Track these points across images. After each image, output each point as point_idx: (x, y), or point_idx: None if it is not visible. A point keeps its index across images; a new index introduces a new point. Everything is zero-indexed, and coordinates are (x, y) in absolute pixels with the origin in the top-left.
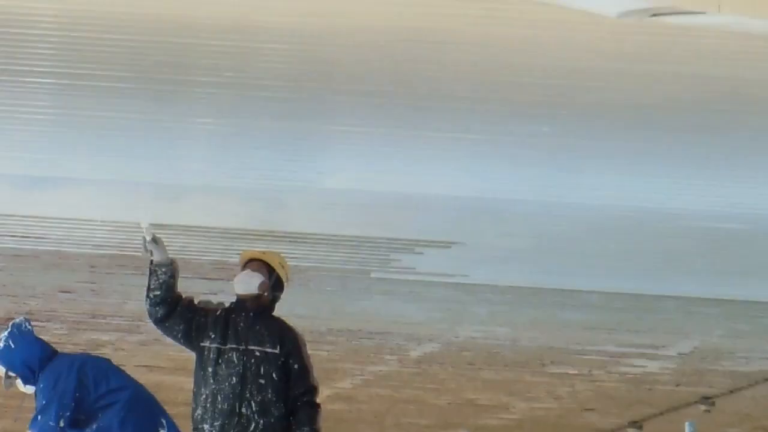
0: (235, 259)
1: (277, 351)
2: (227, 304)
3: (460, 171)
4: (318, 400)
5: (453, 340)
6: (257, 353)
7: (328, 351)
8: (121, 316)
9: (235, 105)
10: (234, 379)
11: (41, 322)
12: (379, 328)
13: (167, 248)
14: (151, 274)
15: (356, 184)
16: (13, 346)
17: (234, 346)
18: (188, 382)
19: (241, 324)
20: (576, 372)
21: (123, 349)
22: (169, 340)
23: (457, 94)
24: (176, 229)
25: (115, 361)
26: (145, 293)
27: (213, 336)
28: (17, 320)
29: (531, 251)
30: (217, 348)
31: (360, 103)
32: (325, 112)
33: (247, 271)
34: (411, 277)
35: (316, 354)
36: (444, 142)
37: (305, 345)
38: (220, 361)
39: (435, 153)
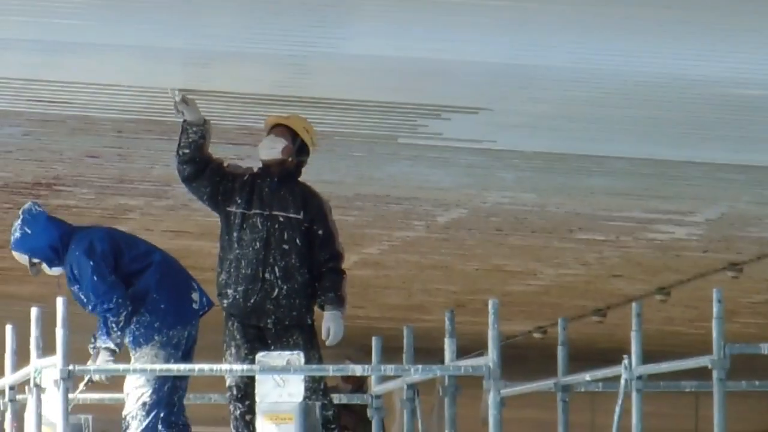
0: (261, 125)
1: (300, 216)
2: (255, 169)
3: (487, 37)
4: (343, 267)
5: (480, 205)
6: (281, 218)
7: (355, 216)
8: (148, 181)
9: None
10: (258, 244)
11: (68, 186)
12: (407, 193)
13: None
14: (182, 132)
15: (383, 49)
16: (30, 232)
17: (258, 211)
18: (215, 248)
19: (266, 189)
20: (603, 238)
21: (150, 214)
22: (198, 204)
23: None
24: (202, 94)
25: (142, 226)
26: (175, 150)
27: (239, 201)
28: (26, 206)
29: (558, 117)
30: (242, 213)
31: None
32: None
33: (271, 137)
34: (438, 143)
35: (342, 219)
36: (472, 8)
37: (331, 211)
38: (244, 226)
39: (463, 18)
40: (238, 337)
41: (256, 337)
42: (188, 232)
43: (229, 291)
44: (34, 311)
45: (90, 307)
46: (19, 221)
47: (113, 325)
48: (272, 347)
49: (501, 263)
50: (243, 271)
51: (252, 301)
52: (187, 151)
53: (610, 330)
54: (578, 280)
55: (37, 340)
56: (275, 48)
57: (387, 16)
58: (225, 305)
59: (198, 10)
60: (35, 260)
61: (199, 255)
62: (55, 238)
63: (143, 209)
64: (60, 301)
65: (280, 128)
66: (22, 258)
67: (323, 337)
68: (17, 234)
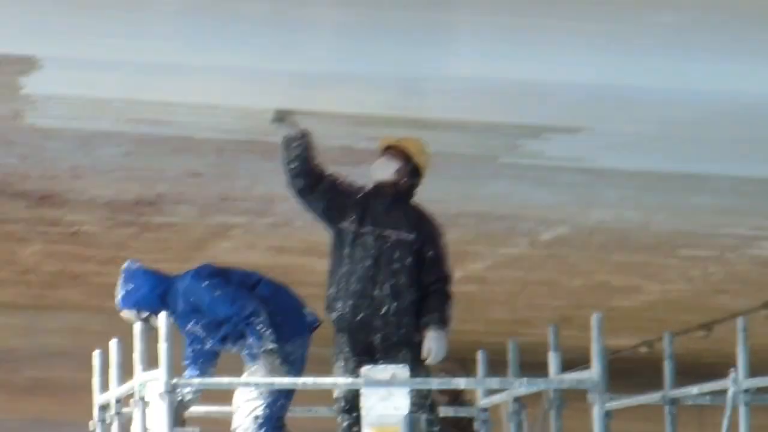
0: (364, 145)
1: (412, 237)
2: (368, 188)
3: (587, 58)
4: (450, 289)
5: (583, 223)
6: (392, 238)
7: (459, 233)
8: (251, 199)
9: None
10: (368, 261)
11: (171, 205)
12: (509, 211)
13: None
14: (284, 148)
15: (485, 70)
16: (132, 286)
17: (370, 229)
18: (319, 264)
19: (379, 208)
20: (708, 254)
21: (253, 232)
22: (300, 221)
23: None
24: (305, 114)
25: (245, 243)
26: (284, 167)
27: (352, 218)
28: (123, 266)
29: (659, 138)
30: (354, 230)
31: None
32: (455, 1)
33: (385, 158)
34: (538, 163)
35: (446, 236)
36: (572, 29)
37: (442, 235)
38: (356, 243)
39: (563, 40)
40: (346, 350)
41: (365, 350)
42: (291, 248)
43: (338, 305)
44: (138, 326)
45: (225, 330)
46: (120, 281)
47: (261, 326)
48: (380, 362)
49: (605, 279)
50: (352, 287)
51: (360, 316)
52: (293, 165)
53: (716, 345)
54: (683, 296)
55: (141, 355)
56: (379, 69)
57: (488, 38)
58: (334, 318)
59: (303, 31)
60: (143, 313)
61: (302, 271)
62: (156, 284)
63: (246, 227)
64: (163, 315)
65: (394, 149)
66: (131, 315)
67: (424, 355)
68: (121, 293)
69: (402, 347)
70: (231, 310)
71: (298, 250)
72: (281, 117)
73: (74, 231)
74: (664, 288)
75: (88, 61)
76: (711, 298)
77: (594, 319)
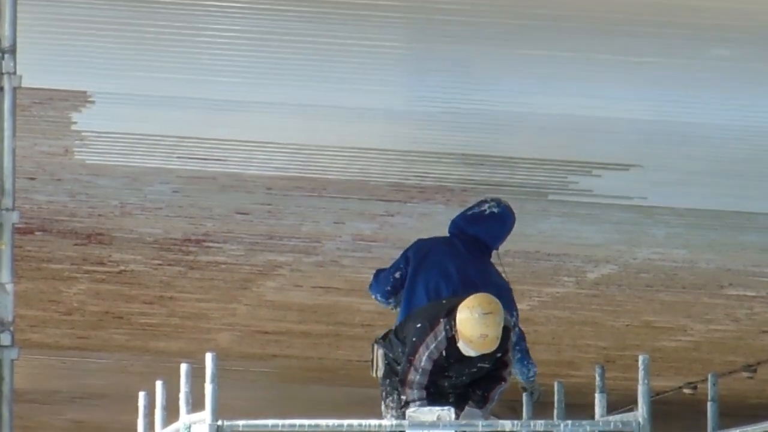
0: (413, 182)
1: (490, 365)
2: (443, 335)
3: (639, 94)
4: (506, 375)
5: (630, 262)
6: (474, 369)
7: (505, 272)
8: (297, 238)
9: (417, 29)
10: (446, 382)
11: (218, 243)
12: (557, 249)
13: (347, 169)
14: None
15: (534, 106)
16: None
17: (450, 374)
18: (364, 304)
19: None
20: (754, 294)
21: (300, 270)
22: (347, 260)
23: (636, 18)
24: (355, 151)
25: (291, 282)
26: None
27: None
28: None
29: (710, 174)
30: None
31: (541, 27)
32: (505, 36)
33: (475, 351)
34: (588, 200)
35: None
36: (623, 65)
37: (511, 339)
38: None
39: (614, 76)
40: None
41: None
42: (337, 288)
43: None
44: (183, 367)
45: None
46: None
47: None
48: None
49: (651, 319)
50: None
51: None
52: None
53: (761, 386)
54: (728, 336)
55: (186, 396)
56: (429, 106)
57: (537, 73)
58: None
59: (355, 67)
60: None
61: (348, 311)
62: None
63: (292, 265)
64: (209, 357)
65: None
66: None
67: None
68: None
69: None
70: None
71: (344, 290)
72: None
73: (120, 270)
74: (709, 328)
75: (140, 98)
76: (756, 338)
77: (641, 360)
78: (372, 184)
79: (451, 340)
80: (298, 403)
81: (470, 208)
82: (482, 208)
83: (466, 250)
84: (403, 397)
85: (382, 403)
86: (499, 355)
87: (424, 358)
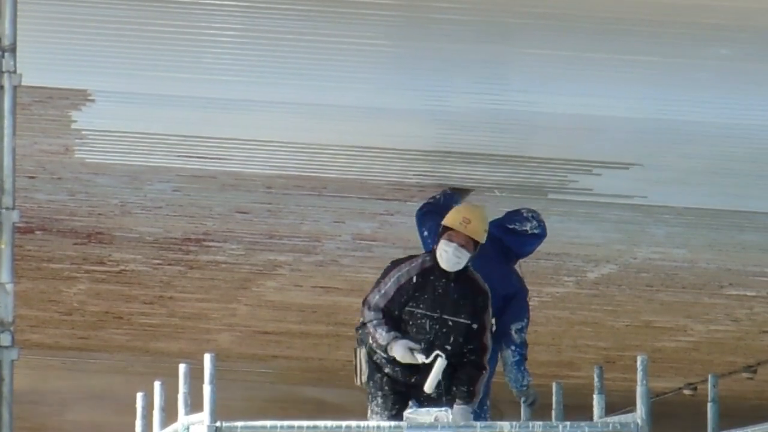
0: (414, 181)
1: (468, 321)
2: (422, 263)
3: (639, 93)
4: (485, 362)
5: (630, 261)
6: (450, 323)
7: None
8: (297, 237)
9: (418, 28)
10: (422, 344)
11: (217, 242)
12: (557, 249)
13: (347, 168)
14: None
15: (534, 105)
16: None
17: (428, 313)
18: None
19: (440, 290)
20: (755, 294)
21: (300, 270)
22: (347, 260)
23: (636, 17)
24: (355, 149)
25: (291, 281)
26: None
27: (412, 304)
28: None
29: (710, 173)
30: (411, 311)
31: (541, 27)
32: (506, 35)
33: (455, 247)
34: (588, 199)
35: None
36: (623, 64)
37: (488, 307)
38: (411, 322)
39: (614, 75)
40: (386, 388)
41: (406, 393)
42: (337, 288)
43: (388, 365)
44: (182, 368)
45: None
46: None
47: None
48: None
49: (651, 319)
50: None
51: (412, 379)
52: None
53: (761, 387)
54: (728, 337)
55: (184, 397)
56: (426, 104)
57: (538, 73)
58: (386, 371)
59: (355, 66)
60: None
61: (348, 311)
62: None
63: (292, 265)
64: (207, 358)
65: (463, 236)
66: None
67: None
68: None
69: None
70: None
71: (344, 289)
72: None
73: (120, 270)
74: (709, 328)
75: (140, 96)
76: (756, 338)
77: (639, 362)
78: (372, 183)
79: (427, 270)
80: (298, 405)
81: (511, 220)
82: (525, 227)
83: (494, 252)
84: (360, 319)
85: (368, 408)
86: (475, 326)
87: (390, 282)
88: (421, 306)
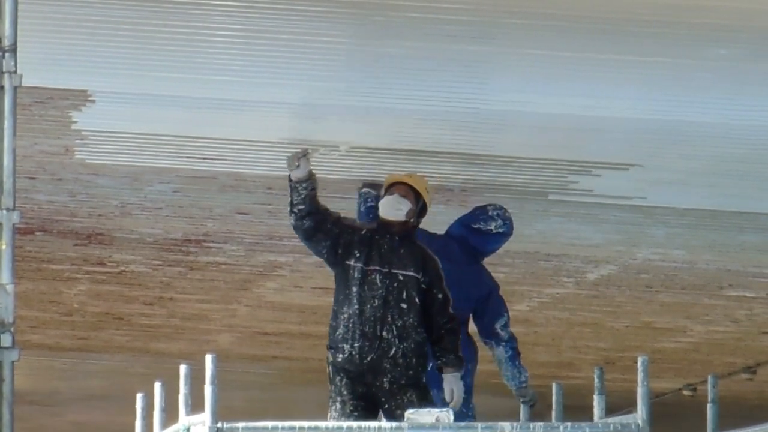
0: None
1: (420, 276)
2: (373, 225)
3: (639, 93)
4: (459, 327)
5: (630, 262)
6: (400, 277)
7: (505, 273)
8: (297, 238)
9: (418, 28)
10: (376, 301)
11: (217, 243)
12: (557, 250)
13: (348, 168)
14: (292, 190)
15: (534, 106)
16: None
17: (377, 268)
18: None
19: (385, 246)
20: (754, 295)
21: (300, 271)
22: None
23: (636, 18)
24: (355, 150)
25: (291, 282)
26: (288, 210)
27: (358, 255)
28: None
29: (710, 174)
30: (360, 268)
31: (541, 27)
32: (506, 36)
33: (396, 196)
34: (588, 200)
35: (493, 275)
36: (623, 65)
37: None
38: (363, 281)
39: (614, 75)
40: (345, 392)
41: (364, 394)
42: None
43: (345, 346)
44: (183, 368)
45: None
46: None
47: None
48: (385, 405)
49: (651, 320)
50: (360, 328)
51: (368, 359)
52: (302, 207)
53: (761, 387)
54: (728, 337)
55: (185, 398)
56: (427, 105)
57: (538, 73)
58: (339, 360)
59: (354, 67)
60: None
61: None
62: None
63: (292, 266)
64: (209, 358)
65: (403, 187)
66: None
67: (447, 399)
68: None
69: (409, 389)
70: None
71: None
72: (306, 155)
73: (120, 271)
74: (709, 329)
75: (140, 97)
76: (756, 339)
77: (640, 362)
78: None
79: (372, 230)
80: (298, 405)
81: (476, 218)
82: (490, 226)
83: (461, 254)
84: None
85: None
86: (423, 281)
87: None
88: (370, 263)
